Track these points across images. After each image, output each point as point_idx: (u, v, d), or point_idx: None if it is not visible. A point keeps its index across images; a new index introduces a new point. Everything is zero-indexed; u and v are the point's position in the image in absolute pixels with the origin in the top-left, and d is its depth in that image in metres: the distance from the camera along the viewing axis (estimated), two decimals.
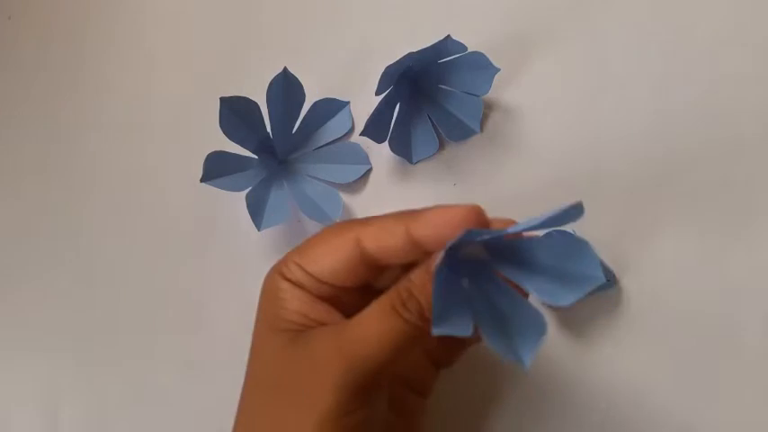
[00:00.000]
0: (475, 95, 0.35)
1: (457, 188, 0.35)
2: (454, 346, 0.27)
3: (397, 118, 0.35)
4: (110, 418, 0.37)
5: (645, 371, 0.30)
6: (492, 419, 0.32)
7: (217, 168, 0.34)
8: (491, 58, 0.33)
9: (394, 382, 0.26)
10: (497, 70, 0.34)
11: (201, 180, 0.33)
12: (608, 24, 0.36)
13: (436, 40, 0.31)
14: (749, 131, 0.32)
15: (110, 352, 0.38)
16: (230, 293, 0.37)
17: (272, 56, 0.40)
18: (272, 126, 0.34)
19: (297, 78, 0.34)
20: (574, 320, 0.31)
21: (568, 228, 0.30)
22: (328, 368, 0.22)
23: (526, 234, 0.22)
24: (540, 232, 0.20)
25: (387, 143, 0.35)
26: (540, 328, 0.20)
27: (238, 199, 0.34)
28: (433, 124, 0.36)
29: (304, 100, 0.35)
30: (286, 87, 0.33)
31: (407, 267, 0.23)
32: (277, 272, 0.25)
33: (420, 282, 0.22)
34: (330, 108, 0.37)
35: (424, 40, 0.32)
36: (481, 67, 0.34)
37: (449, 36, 0.32)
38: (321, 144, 0.37)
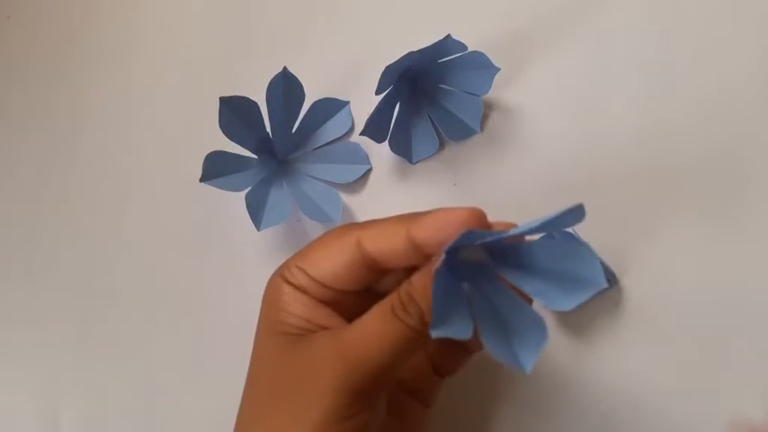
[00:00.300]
0: (475, 95, 0.35)
1: (457, 188, 0.35)
2: (457, 354, 0.27)
3: (397, 118, 0.35)
4: (110, 418, 0.37)
5: (645, 371, 0.30)
6: (490, 420, 0.32)
7: (217, 168, 0.34)
8: (491, 58, 0.33)
9: (396, 389, 0.26)
10: (497, 70, 0.34)
11: (201, 180, 0.33)
12: (608, 24, 0.36)
13: (436, 40, 0.31)
14: (750, 131, 0.32)
15: (110, 352, 0.38)
16: (230, 293, 0.37)
17: (273, 56, 0.40)
18: (271, 126, 0.34)
19: (297, 78, 0.34)
20: (574, 320, 0.31)
21: (568, 228, 0.30)
22: (327, 371, 0.22)
23: (528, 237, 0.21)
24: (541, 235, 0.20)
25: (387, 143, 0.35)
26: (542, 334, 0.20)
27: (238, 199, 0.34)
28: (433, 124, 0.36)
29: (304, 100, 0.35)
30: (286, 87, 0.33)
31: (410, 271, 0.23)
32: (279, 276, 0.25)
33: (421, 285, 0.22)
34: (330, 108, 0.37)
35: (424, 39, 0.32)
36: (481, 66, 0.34)
37: (449, 36, 0.32)
38: (321, 144, 0.37)
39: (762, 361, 0.29)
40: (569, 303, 0.20)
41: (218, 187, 0.34)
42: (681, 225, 0.32)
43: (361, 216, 0.36)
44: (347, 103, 0.37)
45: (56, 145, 0.44)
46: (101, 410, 0.37)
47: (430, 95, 0.36)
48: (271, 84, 0.33)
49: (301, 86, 0.34)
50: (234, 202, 0.36)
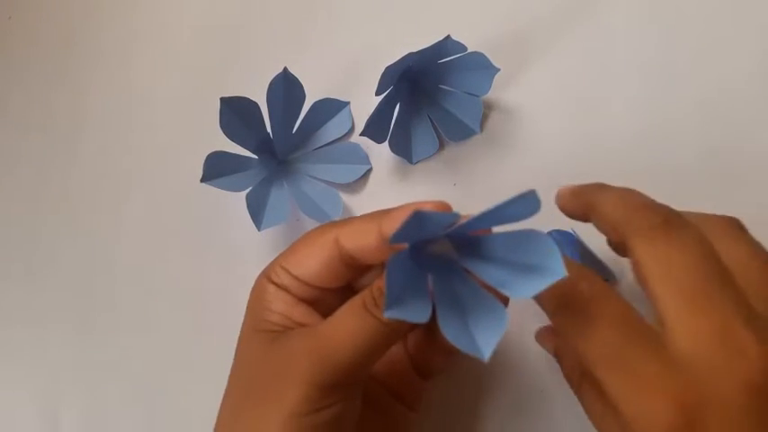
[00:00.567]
0: (475, 95, 0.35)
1: (457, 188, 0.35)
2: (437, 355, 0.27)
3: (397, 118, 0.35)
4: (110, 419, 0.37)
5: None
6: (480, 420, 0.32)
7: (217, 168, 0.34)
8: (491, 58, 0.33)
9: (380, 393, 0.27)
10: (497, 70, 0.34)
11: (201, 180, 0.33)
12: (608, 24, 0.36)
13: (436, 40, 0.31)
14: (750, 130, 0.32)
15: (110, 352, 0.38)
16: (230, 293, 0.37)
17: (273, 56, 0.40)
18: (272, 126, 0.34)
19: (297, 78, 0.34)
20: None
21: (568, 228, 0.30)
22: (298, 365, 0.22)
23: (495, 229, 0.22)
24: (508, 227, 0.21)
25: (387, 143, 0.35)
26: (500, 322, 0.21)
27: (238, 199, 0.34)
28: (433, 124, 0.36)
29: (304, 100, 0.35)
30: (286, 87, 0.33)
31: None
32: (265, 276, 0.26)
33: None
34: (330, 108, 0.37)
35: (424, 40, 0.32)
36: (481, 67, 0.34)
37: (449, 36, 0.32)
38: (321, 144, 0.37)
39: None
40: (528, 292, 0.20)
41: (219, 187, 0.34)
42: None
43: None
44: (347, 103, 0.37)
45: (56, 145, 0.44)
46: (101, 410, 0.37)
47: (430, 96, 0.36)
48: (271, 84, 0.33)
49: (302, 87, 0.34)
50: (234, 202, 0.36)
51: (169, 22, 0.45)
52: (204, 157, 0.33)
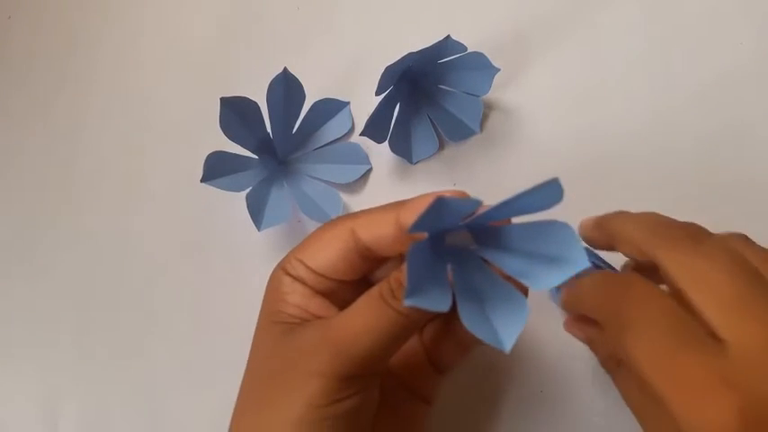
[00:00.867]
0: (475, 95, 0.35)
1: (457, 188, 0.35)
2: (453, 347, 0.27)
3: (397, 118, 0.35)
4: (110, 419, 0.37)
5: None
6: (489, 420, 0.32)
7: (217, 168, 0.34)
8: (491, 58, 0.33)
9: (396, 386, 0.27)
10: (497, 70, 0.34)
11: (201, 180, 0.33)
12: (607, 24, 0.36)
13: (436, 41, 0.32)
14: (749, 128, 0.32)
15: (110, 352, 0.38)
16: (230, 293, 0.37)
17: (272, 56, 0.40)
18: (272, 126, 0.34)
19: (297, 78, 0.34)
20: None
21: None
22: (315, 356, 0.22)
23: (513, 219, 0.22)
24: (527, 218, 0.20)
25: (387, 143, 0.35)
26: (521, 313, 0.21)
27: (238, 199, 0.34)
28: (433, 124, 0.36)
29: (304, 100, 0.35)
30: (286, 87, 0.33)
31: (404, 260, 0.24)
32: (281, 268, 0.26)
33: None
34: (330, 108, 0.37)
35: (423, 40, 0.32)
36: (481, 67, 0.34)
37: (449, 36, 0.32)
38: (321, 144, 0.37)
39: None
40: (550, 282, 0.20)
41: (219, 187, 0.34)
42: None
43: None
44: (347, 103, 0.37)
45: (56, 145, 0.44)
46: (101, 410, 0.37)
47: (430, 96, 0.36)
48: (271, 84, 0.33)
49: (302, 87, 0.34)
50: (234, 202, 0.36)
51: (169, 23, 0.45)
52: (204, 157, 0.33)
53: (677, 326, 0.20)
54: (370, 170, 0.37)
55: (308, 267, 0.25)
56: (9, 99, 0.46)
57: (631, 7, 0.35)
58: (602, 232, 0.25)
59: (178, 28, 0.44)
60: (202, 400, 0.36)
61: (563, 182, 0.18)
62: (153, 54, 0.44)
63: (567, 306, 0.26)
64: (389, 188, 0.37)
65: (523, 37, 0.37)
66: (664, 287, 0.22)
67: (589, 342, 0.27)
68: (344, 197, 0.37)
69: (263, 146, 0.35)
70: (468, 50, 0.33)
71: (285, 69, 0.33)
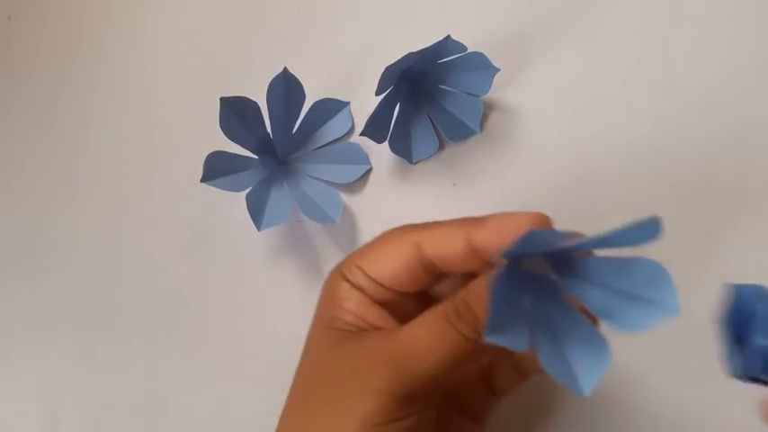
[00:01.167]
0: (475, 95, 0.35)
1: (457, 188, 0.35)
2: (512, 374, 0.26)
3: (397, 118, 0.35)
4: (110, 419, 0.37)
5: (648, 373, 0.30)
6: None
7: (217, 168, 0.34)
8: (491, 58, 0.33)
9: (449, 405, 0.26)
10: (497, 70, 0.34)
11: (201, 180, 0.33)
12: (607, 23, 0.36)
13: (436, 40, 0.32)
14: (749, 131, 0.32)
15: (110, 352, 0.38)
16: (230, 293, 0.37)
17: (272, 56, 0.40)
18: (272, 126, 0.34)
19: (297, 78, 0.34)
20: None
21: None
22: (375, 372, 0.21)
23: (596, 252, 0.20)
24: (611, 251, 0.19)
25: (387, 143, 0.35)
26: (604, 356, 0.19)
27: (238, 199, 0.34)
28: (433, 124, 0.36)
29: (304, 100, 0.35)
30: (286, 87, 0.33)
31: (467, 277, 0.23)
32: (339, 273, 0.25)
33: (478, 293, 0.21)
34: (330, 108, 0.37)
35: (423, 40, 0.32)
36: (481, 67, 0.34)
37: (449, 36, 0.32)
38: (321, 144, 0.37)
39: None
40: (638, 326, 0.19)
41: (219, 187, 0.34)
42: (681, 224, 0.32)
43: (362, 216, 0.36)
44: (347, 103, 0.37)
45: (56, 145, 0.44)
46: (101, 410, 0.37)
47: (430, 96, 0.36)
48: (271, 84, 0.33)
49: (301, 87, 0.34)
50: (234, 202, 0.36)
51: (170, 23, 0.45)
52: (204, 157, 0.33)
53: None
54: (370, 170, 0.37)
55: (367, 276, 0.24)
56: (9, 99, 0.46)
57: (632, 7, 0.35)
58: None
59: (178, 28, 0.44)
60: (202, 400, 0.36)
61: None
62: (153, 54, 0.44)
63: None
64: (389, 188, 0.37)
65: (523, 37, 0.37)
66: None
67: None
68: (344, 197, 0.37)
69: (263, 146, 0.35)
70: (468, 50, 0.33)
71: (285, 69, 0.33)
